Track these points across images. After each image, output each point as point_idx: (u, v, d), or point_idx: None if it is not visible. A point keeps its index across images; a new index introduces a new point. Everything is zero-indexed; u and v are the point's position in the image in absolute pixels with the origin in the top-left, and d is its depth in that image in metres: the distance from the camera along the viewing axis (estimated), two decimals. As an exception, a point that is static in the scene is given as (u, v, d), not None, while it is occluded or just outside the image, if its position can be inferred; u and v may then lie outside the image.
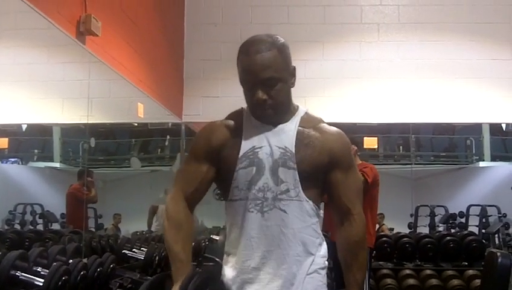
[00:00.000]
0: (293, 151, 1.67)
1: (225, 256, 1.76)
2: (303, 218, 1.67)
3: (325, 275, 1.73)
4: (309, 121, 1.74)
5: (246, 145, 1.70)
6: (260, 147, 1.69)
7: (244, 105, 1.75)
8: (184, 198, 1.72)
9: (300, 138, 1.69)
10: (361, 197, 1.77)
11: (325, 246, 1.75)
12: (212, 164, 1.72)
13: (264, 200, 1.65)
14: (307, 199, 1.67)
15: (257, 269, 1.66)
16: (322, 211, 1.84)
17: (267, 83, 1.64)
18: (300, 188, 1.66)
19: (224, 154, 1.71)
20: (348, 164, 1.74)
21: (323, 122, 1.77)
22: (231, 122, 1.76)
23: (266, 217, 1.65)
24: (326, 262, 1.74)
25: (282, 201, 1.65)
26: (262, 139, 1.70)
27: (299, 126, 1.71)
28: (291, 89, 1.73)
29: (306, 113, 1.77)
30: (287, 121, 1.72)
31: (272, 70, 1.64)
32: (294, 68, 1.73)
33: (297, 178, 1.65)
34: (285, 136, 1.69)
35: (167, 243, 1.68)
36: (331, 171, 1.71)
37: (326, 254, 1.74)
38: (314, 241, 1.70)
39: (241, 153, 1.69)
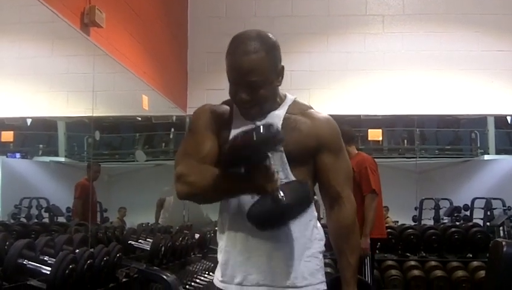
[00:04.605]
0: None
1: (218, 234, 1.74)
2: None
3: (322, 259, 1.72)
4: (297, 108, 1.74)
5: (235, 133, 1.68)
6: None
7: None
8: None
9: (287, 122, 1.68)
10: (350, 182, 1.77)
11: (320, 228, 1.74)
12: (215, 137, 1.69)
13: None
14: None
15: (249, 251, 1.65)
16: (316, 197, 1.81)
17: (251, 85, 1.62)
18: (288, 169, 1.65)
19: (219, 142, 1.68)
20: (336, 148, 1.73)
21: (312, 108, 1.77)
22: (224, 108, 1.75)
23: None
24: (323, 245, 1.73)
25: None
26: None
27: (286, 113, 1.71)
28: (279, 85, 1.71)
29: (294, 101, 1.76)
30: (275, 109, 1.71)
31: (257, 74, 1.60)
32: (282, 67, 1.69)
33: (285, 160, 1.64)
34: (272, 121, 1.65)
35: (196, 186, 1.59)
36: (320, 155, 1.71)
37: (323, 237, 1.73)
38: (308, 223, 1.69)
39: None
